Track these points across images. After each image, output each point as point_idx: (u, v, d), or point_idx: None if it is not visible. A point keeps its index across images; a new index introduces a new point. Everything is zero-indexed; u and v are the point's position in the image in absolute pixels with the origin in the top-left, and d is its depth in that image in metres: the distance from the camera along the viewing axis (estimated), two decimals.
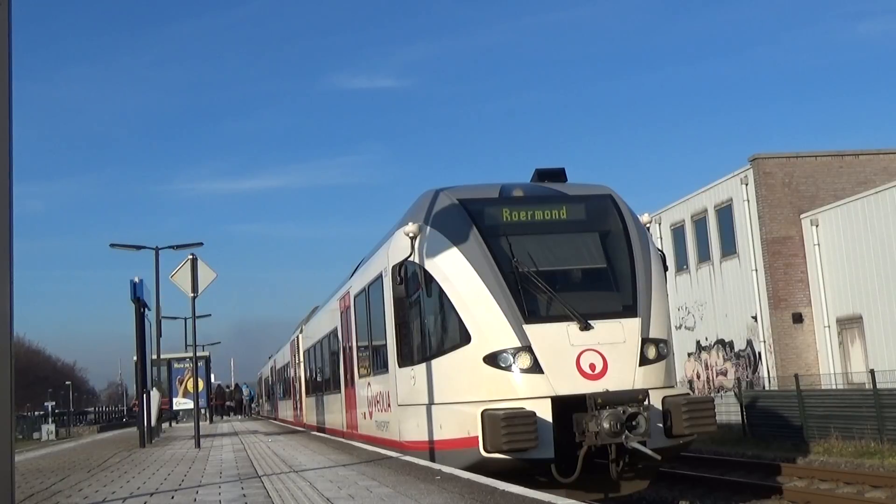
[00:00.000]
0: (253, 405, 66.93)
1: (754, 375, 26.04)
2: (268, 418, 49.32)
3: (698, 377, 29.66)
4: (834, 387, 22.44)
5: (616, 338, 10.54)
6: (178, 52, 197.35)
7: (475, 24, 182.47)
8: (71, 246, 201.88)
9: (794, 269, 25.21)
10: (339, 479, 8.91)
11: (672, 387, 11.12)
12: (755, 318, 25.87)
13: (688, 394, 11.33)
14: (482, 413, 9.96)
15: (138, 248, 23.78)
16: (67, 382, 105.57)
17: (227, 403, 54.22)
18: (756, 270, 25.70)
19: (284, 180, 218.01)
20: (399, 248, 11.99)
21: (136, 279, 18.09)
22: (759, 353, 25.81)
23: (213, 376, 45.73)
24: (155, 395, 22.77)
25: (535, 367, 10.30)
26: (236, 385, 65.34)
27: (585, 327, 10.47)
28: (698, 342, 29.67)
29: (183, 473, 10.56)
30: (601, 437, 9.74)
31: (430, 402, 11.29)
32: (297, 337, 29.57)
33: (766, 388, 24.36)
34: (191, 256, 16.49)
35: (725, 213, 27.23)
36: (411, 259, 11.62)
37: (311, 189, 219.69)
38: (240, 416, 52.72)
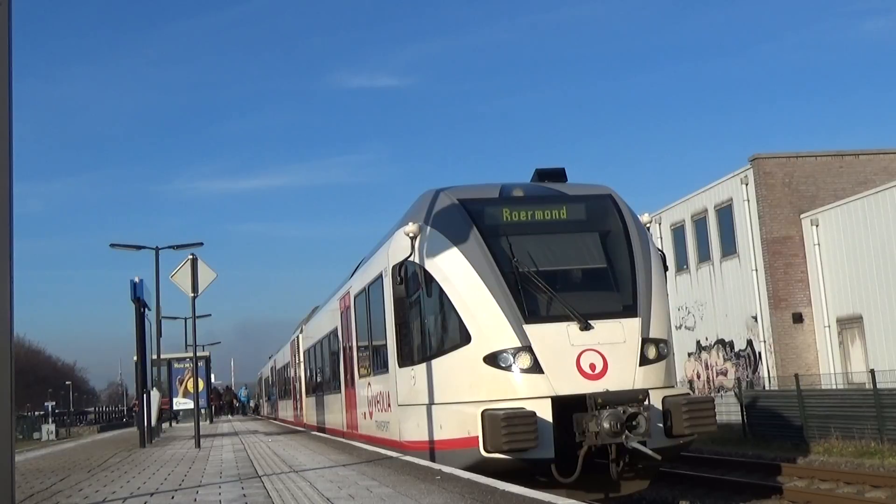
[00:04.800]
0: (251, 404, 67.98)
1: (754, 375, 26.03)
2: (268, 418, 49.33)
3: (698, 377, 29.66)
4: (834, 387, 22.44)
5: (616, 338, 10.53)
6: (178, 51, 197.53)
7: (476, 23, 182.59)
8: (71, 246, 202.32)
9: (794, 269, 25.21)
10: (339, 479, 8.91)
11: (672, 387, 11.11)
12: (755, 318, 25.87)
13: (688, 394, 11.32)
14: (482, 413, 9.96)
15: (138, 248, 23.82)
16: (67, 382, 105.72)
17: (220, 403, 55.40)
18: (756, 270, 25.70)
19: (285, 180, 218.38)
20: (399, 248, 11.99)
21: (136, 279, 18.10)
22: (759, 353, 25.81)
23: (213, 376, 45.83)
24: (155, 395, 22.78)
25: (536, 367, 10.30)
26: (227, 387, 66.93)
27: (585, 327, 10.47)
28: (698, 342, 29.67)
29: (183, 473, 10.56)
30: (601, 437, 9.74)
31: (431, 402, 11.29)
32: (298, 337, 29.57)
33: (766, 388, 24.36)
34: (191, 256, 16.49)
35: (725, 213, 27.22)
36: (411, 259, 11.61)
37: (312, 188, 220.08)
38: (229, 416, 53.45)
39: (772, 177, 25.43)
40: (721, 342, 28.26)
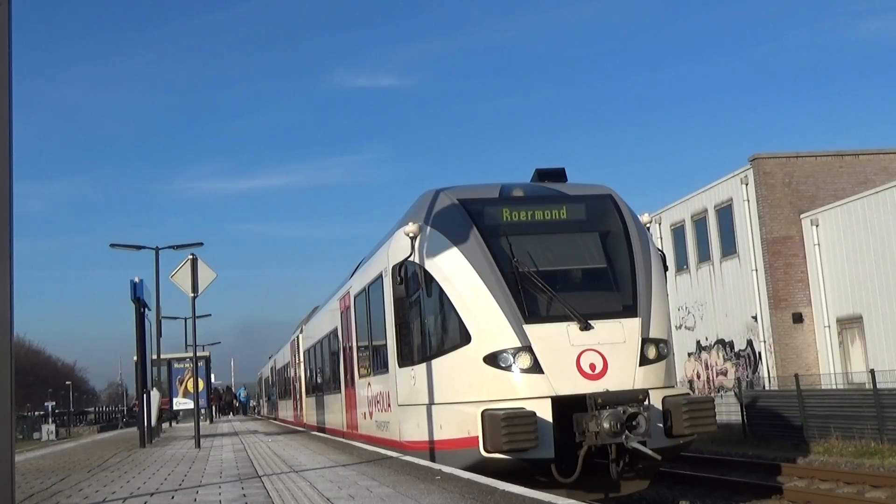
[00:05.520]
0: (251, 404, 68.65)
1: (754, 375, 26.03)
2: (268, 418, 49.33)
3: (698, 377, 29.65)
4: (834, 387, 22.43)
5: (616, 338, 10.53)
6: (178, 51, 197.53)
7: (477, 23, 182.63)
8: (71, 246, 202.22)
9: (794, 269, 25.21)
10: (339, 479, 8.91)
11: (672, 387, 11.11)
12: (755, 318, 25.87)
13: (688, 394, 11.32)
14: (482, 413, 9.96)
15: (138, 248, 23.81)
16: (67, 382, 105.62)
17: (220, 403, 55.75)
18: (756, 270, 25.69)
19: (285, 180, 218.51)
20: (399, 248, 11.99)
21: (136, 279, 18.10)
22: (759, 353, 25.80)
23: (213, 376, 45.87)
24: (155, 395, 22.77)
25: (536, 367, 10.30)
26: (227, 387, 67.81)
27: (585, 327, 10.46)
28: (698, 342, 29.67)
29: (183, 473, 10.56)
30: (601, 437, 9.73)
31: (431, 402, 11.28)
32: (298, 337, 29.56)
33: (766, 388, 24.36)
34: (191, 256, 16.49)
35: (725, 213, 27.22)
36: (411, 259, 11.61)
37: (312, 188, 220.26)
38: (229, 416, 53.64)
39: (772, 177, 25.43)
40: (721, 342, 28.26)
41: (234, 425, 33.82)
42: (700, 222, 28.82)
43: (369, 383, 15.18)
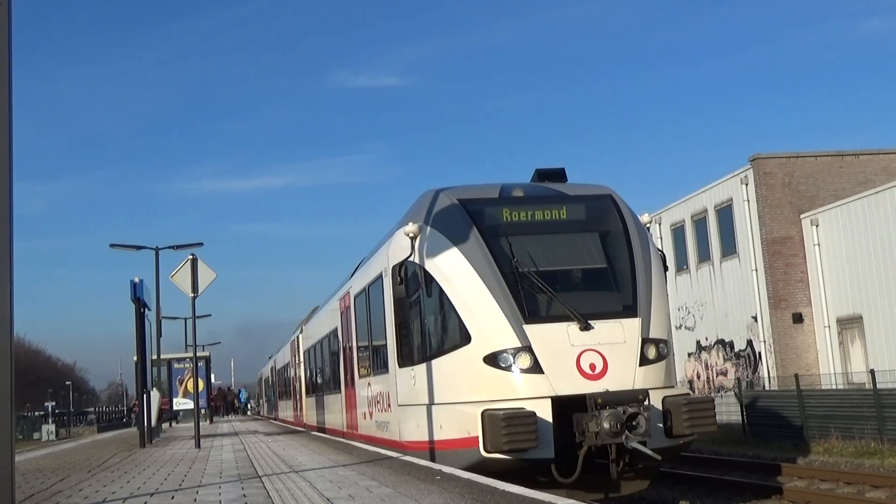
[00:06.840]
0: (251, 405, 69.31)
1: (754, 375, 26.03)
2: (268, 418, 49.33)
3: (698, 377, 29.65)
4: (834, 387, 22.43)
5: (616, 338, 10.53)
6: (178, 51, 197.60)
7: (477, 23, 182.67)
8: (71, 246, 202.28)
9: (794, 269, 25.20)
10: (339, 479, 8.91)
11: (672, 387, 11.11)
12: (755, 318, 25.87)
13: (688, 394, 11.32)
14: (482, 413, 9.96)
15: (138, 248, 23.81)
16: (67, 382, 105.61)
17: (219, 403, 55.96)
18: (756, 270, 25.69)
19: (285, 179, 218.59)
20: (399, 248, 11.99)
21: (137, 279, 18.11)
22: (759, 353, 25.80)
23: (213, 376, 45.88)
24: (155, 395, 22.79)
25: (536, 368, 10.30)
26: (228, 388, 68.74)
27: (585, 327, 10.46)
28: (698, 342, 29.66)
29: (183, 473, 10.56)
30: (601, 437, 9.74)
31: (431, 403, 11.28)
32: (298, 337, 29.57)
33: (766, 388, 24.35)
34: (191, 256, 16.49)
35: (725, 213, 27.22)
36: (411, 259, 11.61)
37: (313, 188, 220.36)
38: (230, 416, 53.75)
39: (772, 177, 25.43)
40: (721, 342, 28.25)
41: (234, 425, 33.82)
42: (700, 222, 28.81)
43: (369, 383, 15.18)
